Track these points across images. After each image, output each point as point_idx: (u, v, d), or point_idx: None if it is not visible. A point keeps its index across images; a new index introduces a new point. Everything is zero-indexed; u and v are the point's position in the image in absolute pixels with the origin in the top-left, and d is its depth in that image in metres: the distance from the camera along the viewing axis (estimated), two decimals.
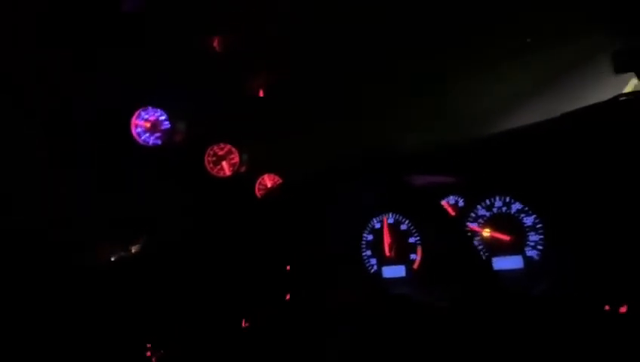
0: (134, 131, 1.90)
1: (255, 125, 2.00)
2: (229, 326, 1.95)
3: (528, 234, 1.63)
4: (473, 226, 1.75)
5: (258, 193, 2.11)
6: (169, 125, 1.91)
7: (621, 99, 1.48)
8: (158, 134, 1.91)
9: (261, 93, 2.03)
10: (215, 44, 1.87)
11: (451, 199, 1.82)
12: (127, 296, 2.02)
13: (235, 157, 1.95)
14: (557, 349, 1.27)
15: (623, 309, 1.18)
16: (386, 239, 1.96)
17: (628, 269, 1.25)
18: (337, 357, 1.68)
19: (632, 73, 1.74)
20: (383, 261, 1.97)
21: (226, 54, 1.87)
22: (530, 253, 1.63)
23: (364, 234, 2.05)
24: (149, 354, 2.00)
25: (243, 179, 1.98)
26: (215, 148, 1.96)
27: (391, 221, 1.97)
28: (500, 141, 1.83)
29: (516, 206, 1.66)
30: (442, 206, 1.80)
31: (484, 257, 1.71)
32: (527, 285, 1.55)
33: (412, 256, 1.89)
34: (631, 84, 2.39)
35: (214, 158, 1.95)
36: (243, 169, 1.95)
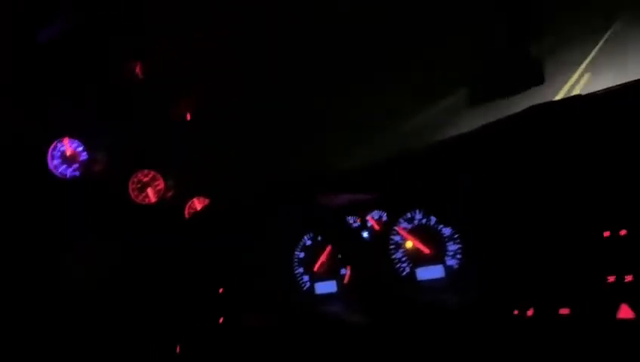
0: (50, 164, 1.83)
1: (181, 149, 1.98)
2: (163, 353, 1.92)
3: (447, 244, 1.73)
4: (397, 239, 1.83)
5: (188, 217, 2.10)
6: (87, 156, 1.85)
7: (535, 109, 1.57)
8: (76, 165, 1.85)
9: (188, 117, 2.01)
10: (135, 70, 1.83)
11: (375, 214, 1.89)
12: (57, 332, 1.94)
13: (160, 183, 1.92)
14: (472, 355, 1.35)
15: (530, 313, 1.28)
16: (319, 256, 2.00)
17: (536, 275, 1.35)
18: None
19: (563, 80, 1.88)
20: (315, 277, 2.01)
21: (146, 80, 1.84)
22: (450, 261, 1.72)
23: (296, 252, 2.08)
24: None
25: (170, 205, 1.96)
26: (139, 175, 1.91)
27: (320, 238, 2.01)
28: (417, 155, 1.92)
29: (434, 218, 1.76)
30: (349, 225, 1.87)
31: (408, 269, 1.79)
32: (448, 294, 1.63)
33: (342, 271, 1.94)
34: (562, 92, 2.54)
35: (139, 185, 1.91)
36: (169, 194, 1.93)
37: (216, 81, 1.98)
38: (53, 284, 1.90)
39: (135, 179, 1.93)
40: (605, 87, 1.48)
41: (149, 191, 1.94)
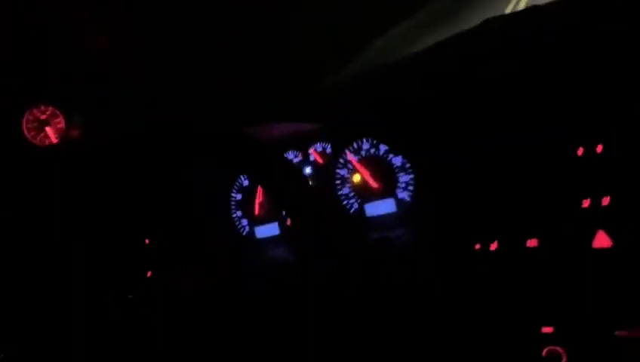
0: None
1: (87, 80, 1.66)
2: (89, 310, 1.71)
3: (398, 175, 1.56)
4: (342, 173, 1.63)
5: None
6: None
7: (489, 24, 1.40)
8: None
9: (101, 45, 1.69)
10: None
11: (318, 146, 1.69)
12: None
13: (61, 121, 1.61)
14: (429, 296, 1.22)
15: (493, 247, 1.14)
16: (258, 197, 1.80)
17: (499, 204, 1.20)
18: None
19: None
20: (255, 221, 1.82)
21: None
22: (402, 194, 1.57)
23: (233, 194, 1.87)
24: None
25: (77, 146, 1.67)
26: (34, 111, 1.59)
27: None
28: (365, 79, 1.71)
29: (384, 147, 1.57)
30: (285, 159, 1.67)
31: (356, 204, 1.62)
32: (400, 230, 1.47)
33: (284, 213, 1.75)
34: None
35: (35, 124, 1.59)
36: (74, 133, 1.63)
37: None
38: None
39: (30, 117, 1.61)
40: None
41: (48, 130, 1.62)
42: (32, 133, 1.63)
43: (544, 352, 1.08)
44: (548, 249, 1.07)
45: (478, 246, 1.17)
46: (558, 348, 1.07)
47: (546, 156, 1.11)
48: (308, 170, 1.70)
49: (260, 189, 1.79)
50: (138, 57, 1.63)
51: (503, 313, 1.13)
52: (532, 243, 1.09)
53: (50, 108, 1.63)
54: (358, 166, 1.59)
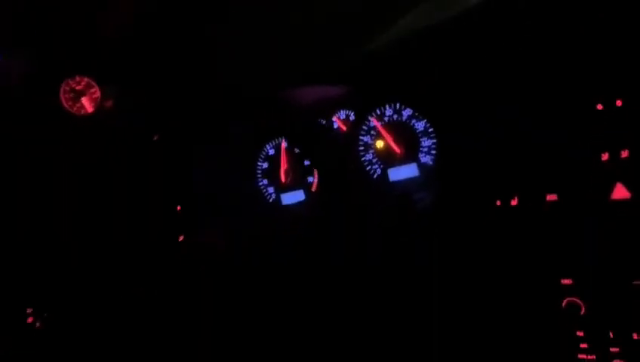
0: None
1: (121, 52, 1.73)
2: (124, 274, 1.80)
3: (421, 139, 1.59)
4: (366, 140, 1.67)
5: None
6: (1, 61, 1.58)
7: None
8: None
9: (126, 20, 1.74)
10: None
11: (342, 114, 1.73)
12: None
13: (97, 91, 1.68)
14: (454, 252, 1.26)
15: (514, 202, 1.17)
16: (283, 165, 1.85)
17: (518, 161, 1.22)
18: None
19: None
20: (280, 188, 1.87)
21: None
22: (425, 158, 1.60)
23: (259, 163, 1.92)
24: (30, 319, 1.81)
25: (112, 116, 1.74)
26: (70, 82, 1.66)
27: (285, 145, 1.85)
28: (385, 47, 1.73)
29: (407, 112, 1.60)
30: (323, 125, 1.72)
31: (379, 170, 1.66)
32: (424, 192, 1.51)
33: (309, 179, 1.81)
34: None
35: (72, 94, 1.67)
36: (109, 104, 1.70)
37: None
38: None
39: (67, 87, 1.69)
40: None
41: (84, 100, 1.70)
42: (70, 103, 1.71)
43: (564, 303, 1.11)
44: (567, 202, 1.09)
45: (499, 203, 1.20)
46: (577, 299, 1.10)
47: (565, 112, 1.12)
48: (332, 137, 1.74)
49: (284, 158, 1.84)
50: (170, 27, 1.68)
51: (523, 266, 1.16)
52: (551, 197, 1.12)
53: (86, 79, 1.71)
54: (382, 130, 1.62)
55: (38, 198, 1.76)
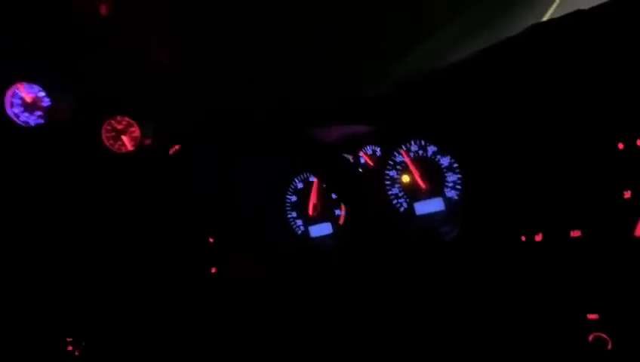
0: (10, 112, 1.67)
1: (158, 93, 1.83)
2: (159, 309, 1.86)
3: (446, 174, 1.64)
4: (392, 174, 1.73)
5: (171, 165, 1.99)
6: (50, 102, 1.69)
7: (533, 30, 1.45)
8: (39, 113, 1.70)
9: (164, 58, 1.85)
10: (99, 7, 1.66)
11: (368, 149, 1.79)
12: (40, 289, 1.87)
13: (136, 130, 1.79)
14: (479, 286, 1.29)
15: (538, 238, 1.20)
16: (313, 199, 1.91)
17: (543, 197, 1.26)
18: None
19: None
20: (309, 220, 1.93)
21: (115, 19, 1.67)
22: (450, 193, 1.64)
23: (288, 196, 1.99)
24: (70, 348, 1.88)
25: (150, 153, 1.84)
26: (112, 122, 1.77)
27: (312, 179, 1.91)
28: (413, 85, 1.80)
29: (432, 148, 1.65)
30: (347, 160, 1.78)
31: (405, 203, 1.71)
32: (450, 226, 1.55)
33: (337, 212, 1.86)
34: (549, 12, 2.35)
35: (113, 133, 1.78)
36: (147, 142, 1.80)
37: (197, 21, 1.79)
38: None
39: (108, 127, 1.80)
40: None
41: (125, 138, 1.80)
42: (111, 142, 1.82)
43: (590, 338, 1.13)
44: (591, 238, 1.12)
45: (523, 238, 1.23)
46: (604, 335, 1.12)
47: (587, 150, 1.16)
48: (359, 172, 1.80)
49: (314, 191, 1.91)
50: (201, 67, 1.78)
51: (549, 301, 1.18)
52: (575, 233, 1.15)
53: (126, 119, 1.82)
54: (410, 165, 1.68)
55: (78, 231, 1.86)
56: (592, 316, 1.13)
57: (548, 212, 1.22)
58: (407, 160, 1.69)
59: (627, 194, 1.08)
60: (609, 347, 1.11)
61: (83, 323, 1.89)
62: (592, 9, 1.45)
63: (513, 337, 1.24)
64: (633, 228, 1.06)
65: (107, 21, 1.66)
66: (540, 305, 1.20)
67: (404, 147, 1.70)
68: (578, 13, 1.49)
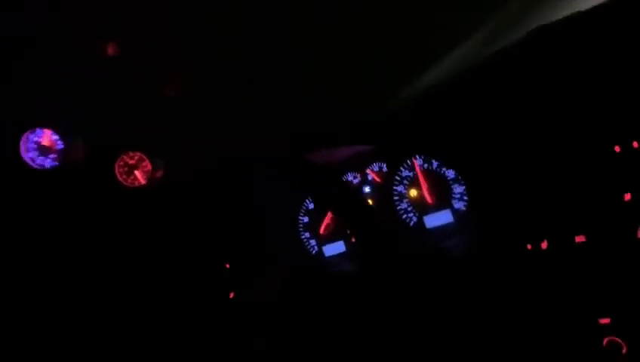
0: (25, 157, 1.75)
1: (167, 127, 1.89)
2: (179, 336, 1.89)
3: (452, 186, 1.65)
4: (399, 189, 1.75)
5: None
6: (63, 144, 1.77)
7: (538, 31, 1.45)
8: (53, 155, 1.77)
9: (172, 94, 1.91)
10: (110, 47, 1.72)
11: (375, 166, 1.81)
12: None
13: (148, 165, 1.85)
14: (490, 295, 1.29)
15: (544, 245, 1.21)
16: (327, 219, 1.94)
17: (546, 205, 1.27)
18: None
19: None
20: (322, 240, 1.95)
21: (123, 59, 1.74)
22: (458, 205, 1.66)
23: (300, 217, 2.01)
24: None
25: (162, 185, 1.90)
26: (124, 158, 1.84)
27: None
28: (411, 101, 1.82)
29: (436, 162, 1.67)
30: (345, 182, 1.80)
31: (415, 217, 1.72)
32: (459, 238, 1.56)
33: (349, 230, 1.88)
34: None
35: (126, 169, 1.85)
36: (158, 175, 1.86)
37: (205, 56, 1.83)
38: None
39: (121, 163, 1.86)
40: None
41: (137, 173, 1.86)
42: (124, 177, 1.88)
43: (604, 342, 1.13)
44: (596, 242, 1.13)
45: (529, 247, 1.24)
46: (618, 339, 1.11)
47: (585, 155, 1.17)
48: (367, 189, 1.83)
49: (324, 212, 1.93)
50: (209, 102, 1.83)
51: (559, 308, 1.19)
52: (580, 238, 1.15)
53: (138, 154, 1.88)
54: (420, 176, 1.70)
55: (96, 266, 1.92)
56: (603, 320, 1.13)
57: (552, 219, 1.23)
58: (417, 170, 1.71)
59: (627, 197, 1.08)
60: (624, 351, 1.10)
61: (103, 355, 1.93)
62: (593, 9, 1.44)
63: (527, 347, 1.24)
64: (636, 230, 1.06)
65: (114, 60, 1.73)
66: (551, 313, 1.20)
67: (409, 161, 1.73)
68: (579, 15, 1.50)
